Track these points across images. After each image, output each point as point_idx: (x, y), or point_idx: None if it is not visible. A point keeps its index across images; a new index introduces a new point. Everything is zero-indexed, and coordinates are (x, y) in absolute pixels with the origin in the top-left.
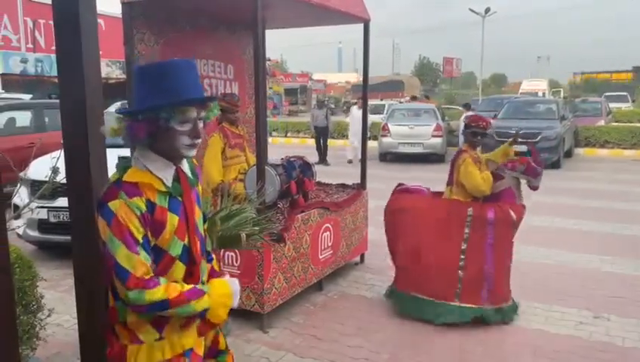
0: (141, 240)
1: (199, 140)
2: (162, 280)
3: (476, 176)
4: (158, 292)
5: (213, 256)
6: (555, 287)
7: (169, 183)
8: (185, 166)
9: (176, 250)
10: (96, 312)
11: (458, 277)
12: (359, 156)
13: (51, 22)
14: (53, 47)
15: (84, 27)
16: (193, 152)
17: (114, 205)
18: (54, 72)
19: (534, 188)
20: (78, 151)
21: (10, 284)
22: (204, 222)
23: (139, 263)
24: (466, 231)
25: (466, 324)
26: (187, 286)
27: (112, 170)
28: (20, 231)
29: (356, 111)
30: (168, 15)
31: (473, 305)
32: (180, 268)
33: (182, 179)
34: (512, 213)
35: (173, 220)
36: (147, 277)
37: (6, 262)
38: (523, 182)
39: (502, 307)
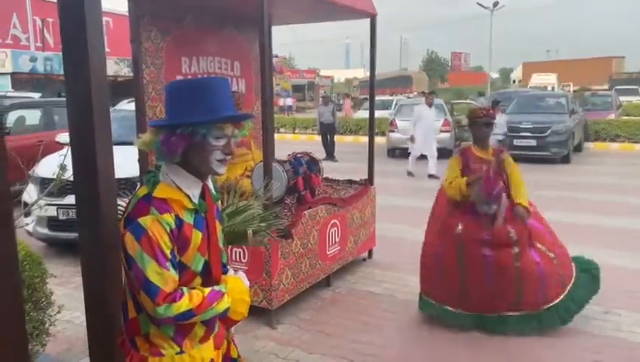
0: (170, 256)
1: (231, 156)
2: (185, 289)
3: (447, 178)
4: (183, 304)
5: (229, 267)
6: None
7: (196, 200)
8: (209, 182)
9: (198, 266)
10: (104, 308)
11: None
12: (434, 168)
13: None
14: None
15: (89, 23)
16: (224, 169)
17: (145, 221)
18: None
19: (481, 211)
20: (85, 148)
21: (18, 280)
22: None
23: (169, 279)
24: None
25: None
26: (207, 290)
27: (118, 167)
28: (30, 228)
29: (425, 111)
30: (175, 12)
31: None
32: (197, 282)
33: (207, 196)
34: (459, 227)
35: (197, 237)
36: (174, 291)
37: (15, 259)
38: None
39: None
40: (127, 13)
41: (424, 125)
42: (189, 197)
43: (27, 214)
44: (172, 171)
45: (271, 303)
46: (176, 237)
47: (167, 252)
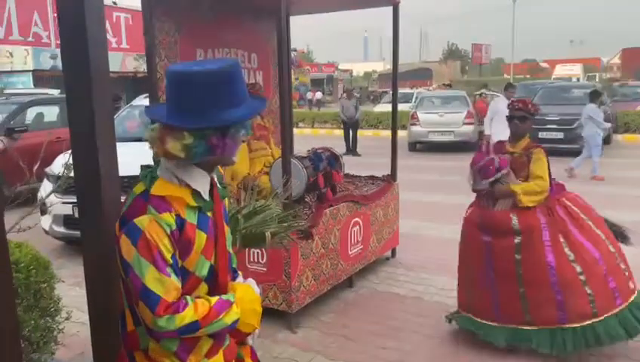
0: (171, 261)
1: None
2: (189, 299)
3: None
4: (188, 315)
5: (240, 273)
6: None
7: (206, 196)
8: (214, 176)
9: (203, 270)
10: (109, 315)
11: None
12: None
13: None
14: None
15: (89, 15)
16: (236, 158)
17: (141, 222)
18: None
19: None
20: (86, 148)
21: (9, 285)
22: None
23: (171, 287)
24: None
25: None
26: (213, 300)
27: (123, 164)
28: (47, 226)
29: (502, 104)
30: (189, 2)
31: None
32: (203, 289)
33: (214, 192)
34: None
35: (201, 238)
36: (177, 300)
37: (6, 266)
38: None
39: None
40: None
41: (503, 121)
42: (198, 193)
43: (43, 212)
44: (177, 166)
45: (291, 306)
46: (177, 239)
47: (168, 256)
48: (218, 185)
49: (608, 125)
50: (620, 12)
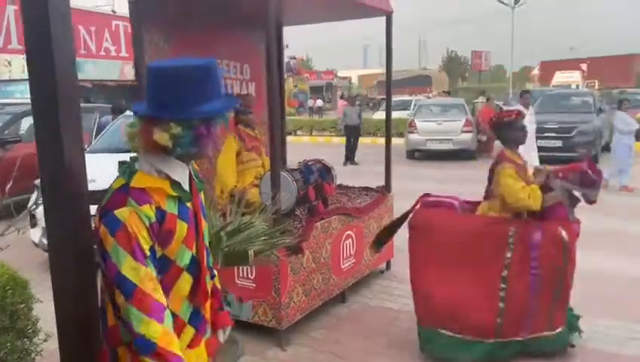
0: (148, 253)
1: None
2: (167, 319)
3: (516, 188)
4: (155, 328)
5: (216, 272)
6: (596, 297)
7: (186, 186)
8: (191, 169)
9: (184, 260)
10: (78, 330)
11: (498, 309)
12: None
13: (80, 26)
14: (83, 51)
15: (53, 17)
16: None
17: (121, 213)
18: (85, 75)
19: (591, 202)
20: (51, 155)
21: None
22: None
23: (146, 276)
24: (508, 255)
25: None
26: (177, 348)
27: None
28: (36, 239)
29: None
30: (179, 13)
31: (513, 338)
32: (186, 280)
33: (192, 184)
34: (564, 233)
35: (182, 227)
36: (156, 296)
37: None
38: (577, 194)
39: (546, 335)
40: None
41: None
42: (177, 184)
43: (33, 225)
44: (157, 159)
45: (280, 323)
46: (157, 232)
47: (146, 248)
48: (195, 177)
49: (636, 127)
50: (621, 12)
